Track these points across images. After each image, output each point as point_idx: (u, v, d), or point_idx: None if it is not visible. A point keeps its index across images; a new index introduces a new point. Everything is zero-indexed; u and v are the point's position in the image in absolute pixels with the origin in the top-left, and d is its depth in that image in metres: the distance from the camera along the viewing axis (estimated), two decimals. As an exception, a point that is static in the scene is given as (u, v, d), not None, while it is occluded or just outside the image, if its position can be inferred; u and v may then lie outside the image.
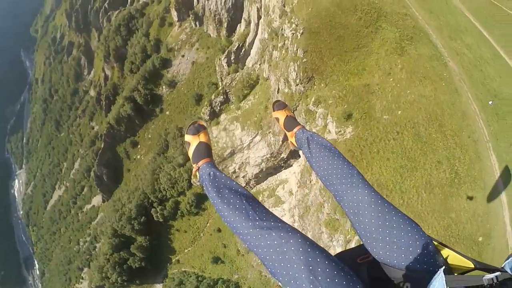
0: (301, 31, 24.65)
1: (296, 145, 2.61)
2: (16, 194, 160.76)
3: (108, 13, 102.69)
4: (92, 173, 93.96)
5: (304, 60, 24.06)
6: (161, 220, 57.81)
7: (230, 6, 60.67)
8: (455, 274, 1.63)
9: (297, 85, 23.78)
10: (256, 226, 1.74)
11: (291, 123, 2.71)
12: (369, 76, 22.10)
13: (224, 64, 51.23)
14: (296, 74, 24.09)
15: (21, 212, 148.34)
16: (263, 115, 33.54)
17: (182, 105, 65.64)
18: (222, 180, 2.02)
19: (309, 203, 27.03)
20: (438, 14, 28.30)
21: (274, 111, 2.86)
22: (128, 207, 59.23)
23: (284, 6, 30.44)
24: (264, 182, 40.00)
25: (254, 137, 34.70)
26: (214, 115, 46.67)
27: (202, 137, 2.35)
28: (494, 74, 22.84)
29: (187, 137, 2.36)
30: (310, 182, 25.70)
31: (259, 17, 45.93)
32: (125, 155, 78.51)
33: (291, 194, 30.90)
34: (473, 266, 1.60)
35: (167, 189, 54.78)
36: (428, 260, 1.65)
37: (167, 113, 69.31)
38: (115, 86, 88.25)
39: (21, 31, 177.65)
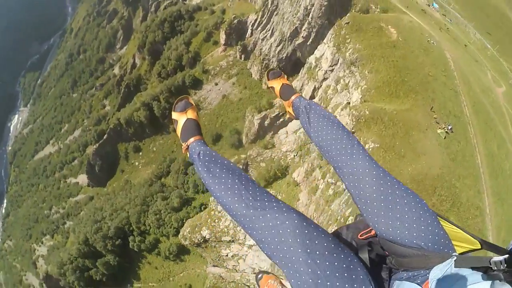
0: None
1: (294, 114, 2.44)
2: (11, 129, 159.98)
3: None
4: (86, 154, 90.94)
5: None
6: (136, 250, 54.37)
7: (284, 57, 56.47)
8: (460, 253, 1.55)
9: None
10: (250, 207, 1.60)
11: (287, 91, 2.52)
12: None
13: (256, 124, 47.36)
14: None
15: (10, 148, 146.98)
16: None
17: (198, 135, 61.75)
18: (213, 158, 1.85)
19: None
20: (503, 199, 24.67)
21: (269, 80, 2.66)
22: (108, 224, 55.71)
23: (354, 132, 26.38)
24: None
25: (259, 245, 30.79)
26: (226, 180, 42.95)
27: (189, 114, 2.14)
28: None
29: (174, 115, 2.16)
30: None
31: (312, 97, 42.05)
32: (124, 155, 74.98)
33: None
34: (479, 246, 1.55)
35: (152, 226, 51.22)
36: (433, 238, 1.56)
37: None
38: (140, 78, 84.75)
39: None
